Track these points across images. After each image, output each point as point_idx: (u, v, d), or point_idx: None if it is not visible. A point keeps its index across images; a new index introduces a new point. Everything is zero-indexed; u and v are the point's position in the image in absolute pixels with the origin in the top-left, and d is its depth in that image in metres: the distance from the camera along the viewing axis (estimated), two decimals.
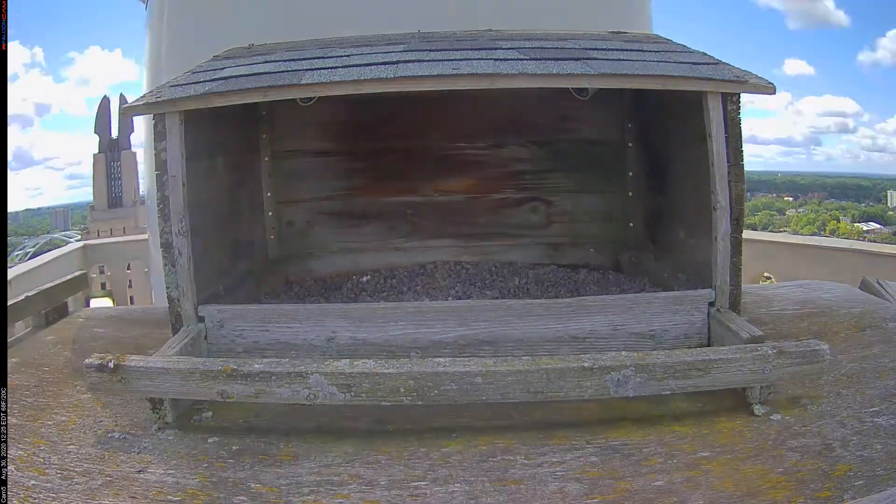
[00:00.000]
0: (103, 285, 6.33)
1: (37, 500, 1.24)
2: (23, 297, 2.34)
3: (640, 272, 2.47)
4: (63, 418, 1.61)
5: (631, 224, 2.67)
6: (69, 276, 2.77)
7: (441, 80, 1.76)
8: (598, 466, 1.34)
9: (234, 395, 1.48)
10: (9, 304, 2.20)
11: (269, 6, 3.67)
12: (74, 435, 1.52)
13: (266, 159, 2.66)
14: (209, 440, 1.49)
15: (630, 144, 2.66)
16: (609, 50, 2.05)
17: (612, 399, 1.47)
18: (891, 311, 2.16)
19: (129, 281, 6.37)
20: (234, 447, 1.46)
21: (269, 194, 2.67)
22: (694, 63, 1.88)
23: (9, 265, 5.36)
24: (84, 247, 6.16)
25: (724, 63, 1.88)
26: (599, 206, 2.72)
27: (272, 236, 2.68)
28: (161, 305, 2.16)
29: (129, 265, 6.36)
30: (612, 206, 2.70)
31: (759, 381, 1.50)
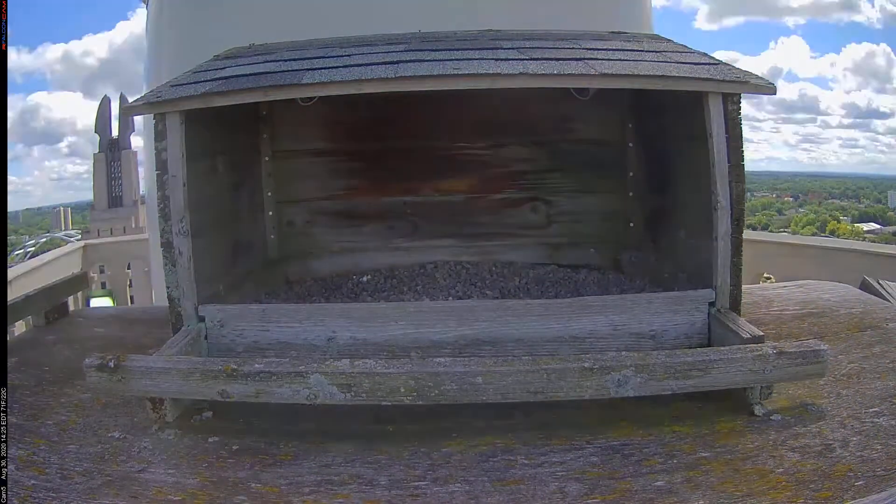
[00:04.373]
0: (103, 285, 6.33)
1: (37, 500, 1.24)
2: (23, 296, 2.34)
3: (640, 272, 2.47)
4: (63, 418, 1.61)
5: (631, 224, 2.67)
6: (69, 276, 2.77)
7: (442, 79, 1.75)
8: (598, 466, 1.34)
9: (235, 394, 1.48)
10: (9, 303, 2.20)
11: (269, 6, 3.67)
12: (74, 435, 1.52)
13: (266, 159, 2.66)
14: (209, 440, 1.49)
15: (630, 144, 2.65)
16: (610, 50, 2.04)
17: (613, 399, 1.46)
18: (891, 311, 2.16)
19: (129, 281, 6.38)
20: (234, 447, 1.46)
21: (269, 194, 2.67)
22: (694, 63, 1.88)
23: (9, 264, 5.36)
24: (84, 246, 6.17)
25: (725, 63, 1.88)
26: (600, 206, 2.72)
27: (272, 236, 2.68)
28: (161, 305, 2.16)
29: (129, 265, 6.36)
30: (612, 206, 2.70)
31: (759, 381, 1.50)
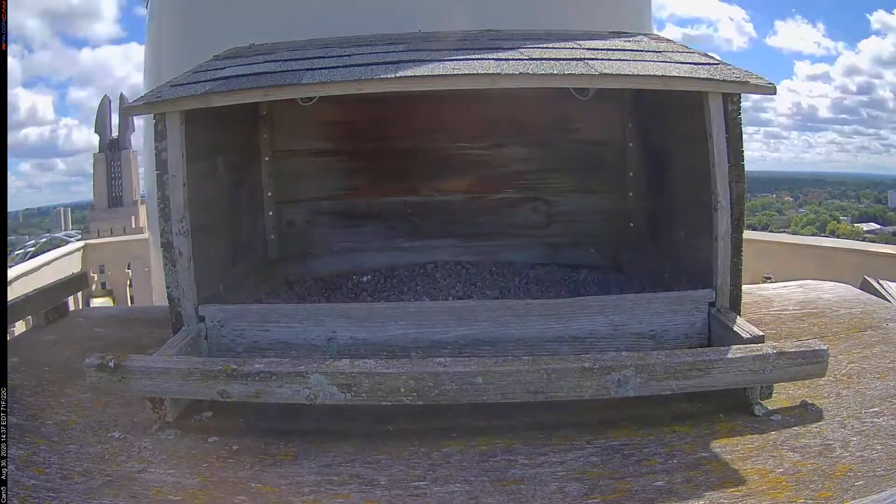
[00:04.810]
0: (103, 285, 6.32)
1: (37, 500, 1.24)
2: (22, 296, 2.34)
3: (640, 272, 2.47)
4: (63, 418, 1.61)
5: (631, 224, 2.67)
6: (69, 276, 2.77)
7: (442, 79, 1.76)
8: (598, 466, 1.34)
9: (235, 394, 1.48)
10: (9, 303, 2.20)
11: (269, 6, 3.67)
12: (74, 435, 1.52)
13: (266, 159, 2.66)
14: (209, 440, 1.49)
15: (630, 144, 2.66)
16: (610, 50, 2.05)
17: (613, 399, 1.47)
18: (891, 311, 2.16)
19: (129, 281, 6.37)
20: (234, 447, 1.46)
21: (269, 194, 2.67)
22: (694, 63, 1.88)
23: (9, 264, 5.36)
24: (84, 246, 6.17)
25: (725, 63, 1.88)
26: (599, 206, 2.72)
27: (272, 236, 2.68)
28: (161, 305, 2.16)
29: (129, 265, 6.35)
30: (612, 206, 2.70)
31: (759, 381, 1.50)
